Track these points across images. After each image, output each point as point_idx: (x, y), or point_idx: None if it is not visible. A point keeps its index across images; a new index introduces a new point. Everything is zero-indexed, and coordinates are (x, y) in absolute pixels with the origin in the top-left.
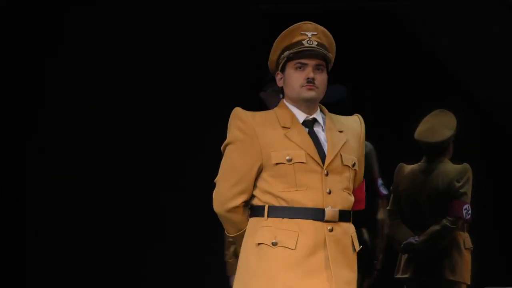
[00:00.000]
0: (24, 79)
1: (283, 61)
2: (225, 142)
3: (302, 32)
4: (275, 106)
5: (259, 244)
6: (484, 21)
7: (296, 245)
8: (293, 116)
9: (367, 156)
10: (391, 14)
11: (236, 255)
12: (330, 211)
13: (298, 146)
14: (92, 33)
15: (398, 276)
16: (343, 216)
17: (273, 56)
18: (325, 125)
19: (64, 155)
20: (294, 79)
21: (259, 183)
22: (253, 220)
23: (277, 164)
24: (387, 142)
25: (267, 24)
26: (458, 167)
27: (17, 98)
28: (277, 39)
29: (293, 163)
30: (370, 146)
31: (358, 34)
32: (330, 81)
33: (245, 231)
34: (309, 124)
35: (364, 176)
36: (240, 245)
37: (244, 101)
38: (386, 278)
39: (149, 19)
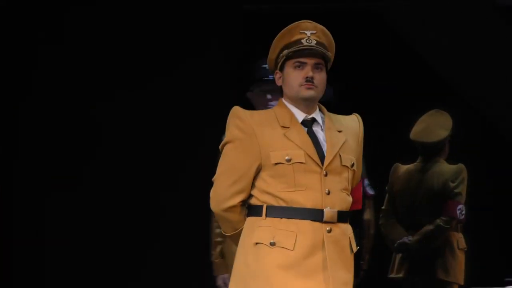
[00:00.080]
0: (24, 78)
1: (282, 60)
2: (224, 141)
3: (301, 31)
4: (262, 106)
5: (256, 243)
6: (479, 22)
7: (294, 246)
8: (292, 116)
9: None
10: (389, 14)
11: (222, 255)
12: (329, 212)
13: (297, 146)
14: (92, 33)
15: (392, 275)
16: (342, 217)
17: (272, 55)
18: (324, 125)
19: (64, 155)
20: (293, 78)
21: (257, 183)
22: (250, 220)
23: (276, 164)
24: (387, 142)
25: (259, 24)
26: (453, 167)
27: (17, 98)
28: (276, 38)
29: (292, 163)
30: None
31: (352, 35)
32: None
33: (241, 230)
34: (308, 123)
35: None
36: (236, 244)
37: (245, 101)
38: (380, 278)
39: (148, 19)
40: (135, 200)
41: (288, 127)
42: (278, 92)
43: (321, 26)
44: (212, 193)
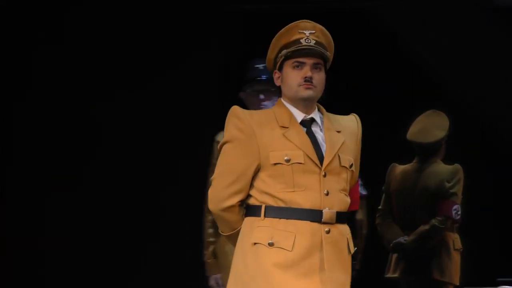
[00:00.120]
0: (24, 79)
1: (281, 59)
2: (222, 140)
3: (300, 31)
4: (255, 106)
5: (255, 243)
6: (478, 22)
7: (293, 247)
8: (291, 116)
9: None
10: (389, 14)
11: (214, 255)
12: (327, 213)
13: (296, 147)
14: (91, 33)
15: (389, 275)
16: (340, 217)
17: (270, 54)
18: (323, 125)
19: (64, 155)
20: (292, 78)
21: (256, 183)
22: (249, 220)
23: (275, 164)
24: (387, 142)
25: (246, 24)
26: (449, 167)
27: (17, 98)
28: (274, 38)
29: (291, 164)
30: None
31: (352, 35)
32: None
33: (239, 230)
34: (307, 123)
35: None
36: (234, 244)
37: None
38: (376, 278)
39: (148, 19)
40: (134, 200)
41: (287, 127)
42: (271, 92)
43: (320, 26)
44: (210, 193)
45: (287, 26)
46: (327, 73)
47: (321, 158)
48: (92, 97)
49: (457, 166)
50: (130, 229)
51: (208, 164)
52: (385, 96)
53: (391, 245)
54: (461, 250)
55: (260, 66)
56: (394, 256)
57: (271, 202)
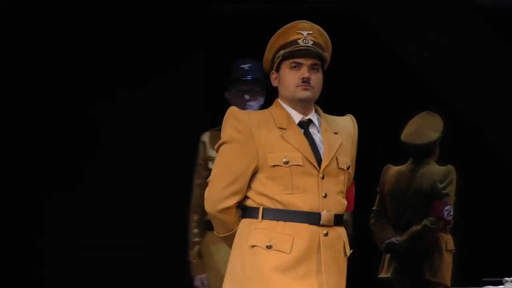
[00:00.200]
0: (24, 79)
1: (278, 60)
2: (220, 141)
3: (297, 31)
4: (240, 106)
5: (253, 246)
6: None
7: (291, 249)
8: (289, 117)
9: None
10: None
11: (199, 255)
12: (326, 215)
13: (294, 148)
14: (90, 34)
15: (381, 276)
16: (337, 220)
17: (268, 55)
18: (321, 126)
19: (64, 155)
20: (289, 78)
21: (253, 185)
22: (246, 221)
23: (273, 166)
24: (387, 143)
25: (232, 25)
26: (442, 168)
27: (17, 98)
28: (272, 38)
29: (290, 166)
30: None
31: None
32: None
33: (235, 232)
34: (305, 125)
35: None
36: (230, 246)
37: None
38: (370, 278)
39: (147, 19)
40: (134, 200)
41: (285, 129)
42: (256, 92)
43: (318, 27)
44: (207, 194)
45: (284, 27)
46: (324, 74)
47: (319, 160)
48: (92, 97)
49: (449, 167)
50: (130, 229)
51: (194, 164)
52: (380, 97)
53: (383, 245)
54: (454, 251)
55: (245, 66)
56: (387, 256)
57: (269, 204)
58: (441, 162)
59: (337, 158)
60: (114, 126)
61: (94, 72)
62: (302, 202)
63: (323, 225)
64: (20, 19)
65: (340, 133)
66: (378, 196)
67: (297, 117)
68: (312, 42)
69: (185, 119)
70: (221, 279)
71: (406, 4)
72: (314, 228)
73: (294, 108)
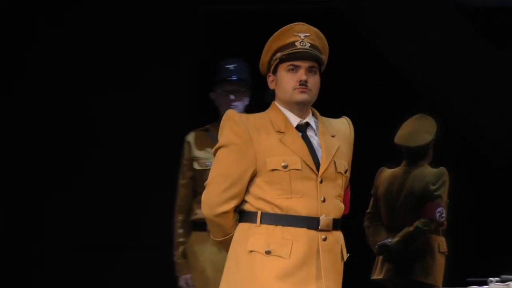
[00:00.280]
0: (24, 79)
1: (275, 63)
2: (218, 144)
3: (295, 33)
4: (226, 107)
5: (251, 251)
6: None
7: (290, 255)
8: (286, 120)
9: None
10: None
11: (184, 255)
12: (324, 220)
13: (293, 152)
14: (91, 33)
15: (374, 277)
16: (336, 224)
17: (264, 57)
18: (318, 129)
19: (64, 155)
20: (287, 81)
21: (251, 189)
22: (243, 226)
23: (272, 170)
24: (382, 145)
25: (219, 25)
26: (434, 170)
27: (16, 98)
28: (269, 40)
29: (289, 170)
30: None
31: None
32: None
33: (231, 236)
34: (302, 128)
35: None
36: (226, 250)
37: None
38: (363, 280)
39: (147, 19)
40: (135, 200)
41: (284, 132)
42: (241, 93)
43: (315, 29)
44: (204, 198)
45: (281, 29)
46: (321, 76)
47: (317, 164)
48: (93, 97)
49: (442, 169)
50: (130, 228)
51: (179, 165)
52: (373, 100)
53: (376, 246)
54: (447, 253)
55: (231, 66)
56: (380, 258)
57: (267, 208)
58: (434, 164)
59: (335, 162)
60: (114, 126)
61: (95, 72)
62: (301, 207)
63: (321, 230)
64: (19, 18)
65: (337, 136)
66: (372, 199)
67: (294, 120)
68: (309, 44)
69: (171, 119)
70: (205, 279)
71: (406, 4)
72: (313, 233)
73: (291, 111)
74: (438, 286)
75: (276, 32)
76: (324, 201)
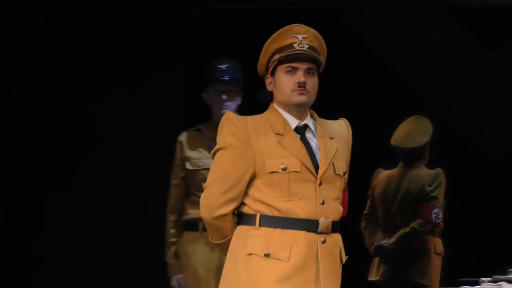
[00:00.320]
0: (24, 79)
1: (273, 64)
2: (216, 147)
3: (293, 35)
4: (218, 106)
5: (250, 254)
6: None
7: (289, 257)
8: (285, 122)
9: None
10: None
11: (176, 255)
12: (323, 222)
13: (292, 155)
14: (91, 33)
15: (371, 279)
16: (334, 227)
17: (262, 59)
18: (316, 131)
19: (64, 155)
20: (285, 83)
21: (250, 191)
22: (242, 228)
23: (271, 172)
24: (380, 147)
25: (212, 26)
26: (430, 171)
27: (16, 97)
28: (267, 42)
29: (288, 172)
30: None
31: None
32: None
33: (230, 238)
34: (301, 130)
35: None
36: (224, 252)
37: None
38: (360, 281)
39: (147, 20)
40: (135, 200)
41: (282, 135)
42: (233, 93)
43: (313, 30)
44: (203, 200)
45: (279, 30)
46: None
47: (316, 166)
48: (93, 97)
49: (438, 170)
50: (130, 229)
51: (171, 165)
52: (370, 101)
53: (372, 248)
54: (443, 254)
55: (223, 66)
56: (377, 259)
57: (266, 211)
58: (430, 165)
59: (333, 164)
60: (114, 126)
61: (95, 72)
62: (300, 209)
63: (321, 232)
64: (19, 18)
65: (335, 138)
66: (368, 200)
67: (293, 122)
68: (307, 46)
69: (171, 119)
70: (198, 279)
71: (404, 5)
72: (312, 235)
73: (290, 113)
74: (434, 287)
75: (274, 34)
76: (323, 203)
